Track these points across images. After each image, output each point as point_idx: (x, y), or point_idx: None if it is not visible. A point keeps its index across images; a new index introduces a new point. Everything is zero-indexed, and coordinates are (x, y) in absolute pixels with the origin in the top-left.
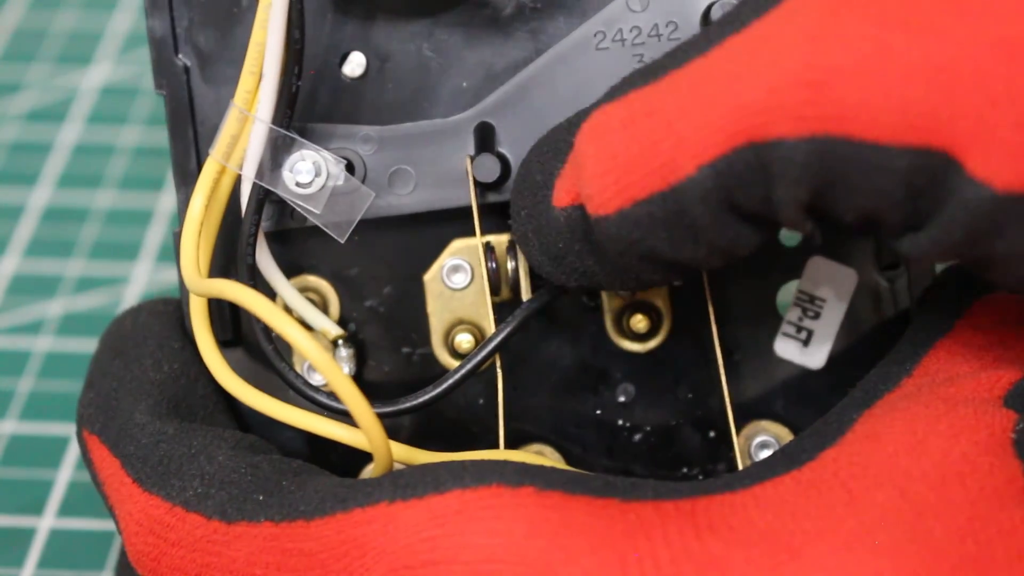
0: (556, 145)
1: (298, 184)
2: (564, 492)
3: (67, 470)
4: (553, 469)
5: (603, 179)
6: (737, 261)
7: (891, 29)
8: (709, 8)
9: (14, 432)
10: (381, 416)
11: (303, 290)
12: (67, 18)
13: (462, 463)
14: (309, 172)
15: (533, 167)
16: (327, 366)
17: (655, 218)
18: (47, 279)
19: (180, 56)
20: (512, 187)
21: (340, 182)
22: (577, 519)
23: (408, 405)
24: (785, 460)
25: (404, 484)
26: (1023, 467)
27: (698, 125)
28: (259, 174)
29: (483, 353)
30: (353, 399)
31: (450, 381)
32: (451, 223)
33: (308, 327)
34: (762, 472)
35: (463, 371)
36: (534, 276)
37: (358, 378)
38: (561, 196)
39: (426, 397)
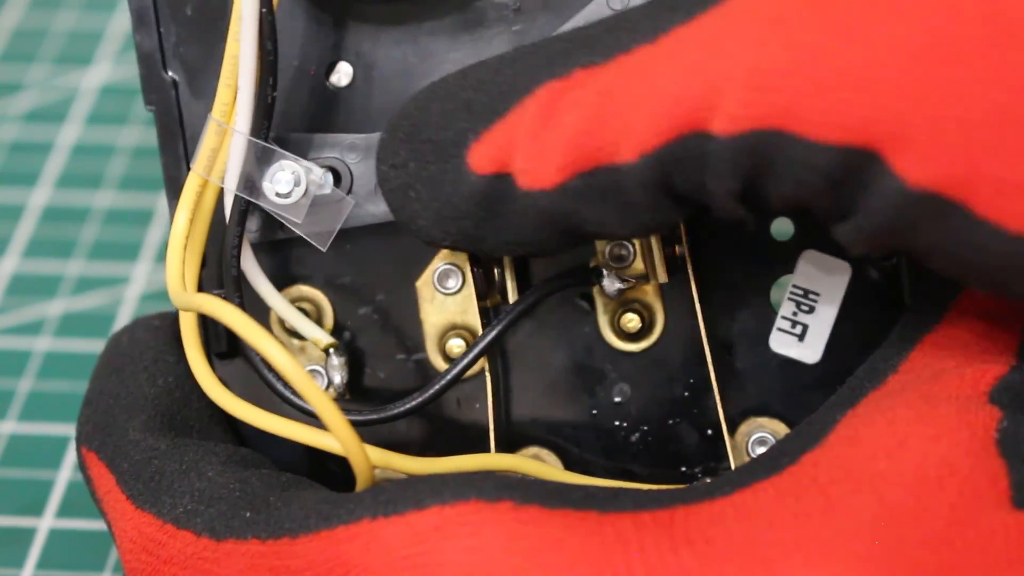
0: (468, 105)
1: (278, 194)
2: (542, 506)
3: (67, 470)
4: (533, 481)
5: (549, 154)
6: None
7: (826, 35)
8: None
9: (14, 432)
10: (368, 423)
11: (297, 300)
12: (67, 18)
13: (443, 477)
14: (288, 182)
15: (433, 120)
16: (298, 378)
17: (592, 194)
18: (47, 279)
19: (168, 71)
20: (389, 131)
21: (322, 191)
22: (554, 534)
23: (396, 411)
24: (767, 464)
25: (385, 500)
26: (1007, 466)
27: (644, 113)
28: (240, 186)
29: (470, 357)
30: (324, 407)
31: (437, 386)
32: None
33: (300, 337)
34: (743, 478)
35: (450, 376)
36: (521, 278)
37: (355, 385)
38: (481, 162)
39: (414, 403)
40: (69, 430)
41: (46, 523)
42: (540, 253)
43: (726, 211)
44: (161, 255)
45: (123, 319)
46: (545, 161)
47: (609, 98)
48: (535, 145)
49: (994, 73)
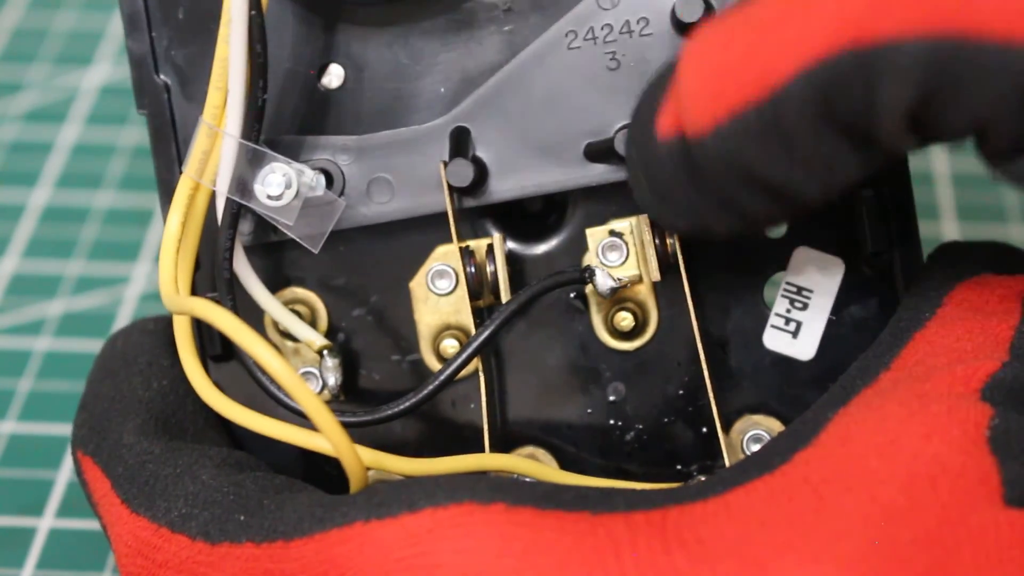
0: (663, 76)
1: (269, 197)
2: (535, 508)
3: (67, 470)
4: (526, 483)
5: (699, 93)
6: (842, 189)
7: None
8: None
9: (14, 432)
10: (362, 424)
11: (290, 302)
12: (67, 18)
13: (436, 480)
14: (279, 185)
15: (642, 102)
16: (290, 380)
17: (751, 131)
18: (47, 279)
19: (160, 75)
20: (629, 129)
21: (314, 193)
22: (547, 536)
23: (390, 412)
24: (760, 463)
25: (379, 503)
26: (998, 464)
27: (799, 27)
28: (232, 189)
29: (462, 357)
30: (315, 409)
31: (431, 387)
32: (434, 229)
33: (294, 339)
34: (736, 477)
35: (443, 376)
36: (513, 279)
37: (350, 387)
38: (663, 127)
39: (408, 404)
40: (69, 430)
41: (46, 523)
42: (751, 220)
43: (895, 143)
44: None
45: (123, 319)
46: (697, 106)
47: (759, 23)
48: (688, 93)
49: None
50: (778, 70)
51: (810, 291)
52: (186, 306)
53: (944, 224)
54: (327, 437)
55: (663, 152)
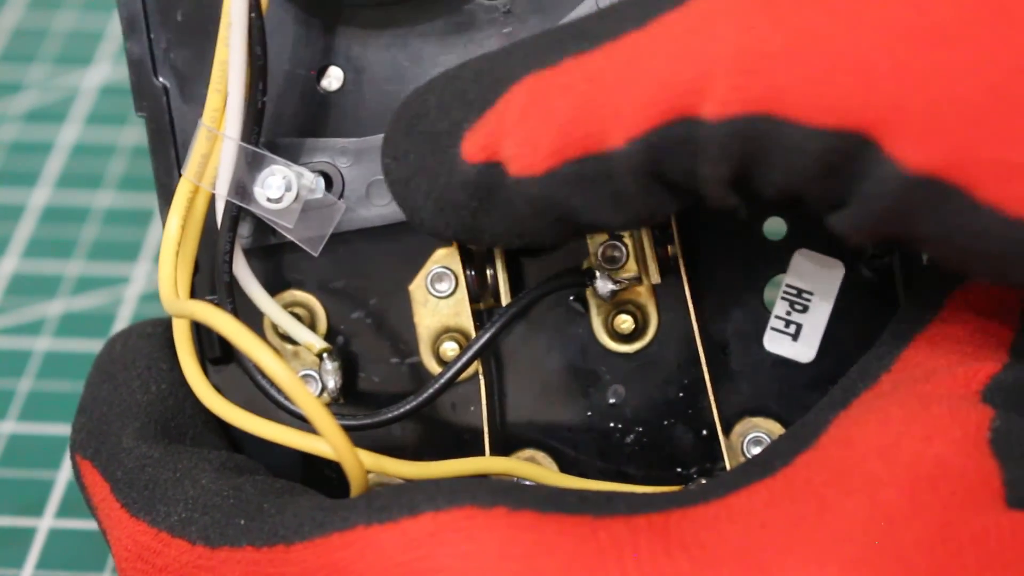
0: (463, 95)
1: (269, 200)
2: (536, 511)
3: (67, 470)
4: (527, 486)
5: (536, 140)
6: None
7: (816, 17)
8: None
9: (14, 432)
10: (362, 427)
11: (290, 305)
12: (67, 18)
13: (437, 483)
14: (279, 187)
15: (431, 112)
16: (290, 383)
17: (582, 181)
18: (47, 279)
19: (159, 77)
20: (392, 124)
21: (313, 196)
22: (548, 539)
23: (390, 415)
24: (761, 466)
25: (379, 507)
26: (1000, 466)
27: (633, 98)
28: (231, 191)
29: (462, 360)
30: (315, 412)
31: (431, 390)
32: None
33: (293, 342)
34: (737, 480)
35: (443, 379)
36: (514, 281)
37: (349, 390)
38: (473, 151)
39: (408, 407)
40: (69, 430)
41: (46, 523)
42: (537, 244)
43: (718, 199)
44: None
45: (123, 319)
46: (534, 148)
47: (598, 84)
48: (523, 132)
49: (989, 54)
50: (614, 135)
51: (810, 293)
52: (186, 309)
53: None
54: (327, 440)
55: (463, 175)
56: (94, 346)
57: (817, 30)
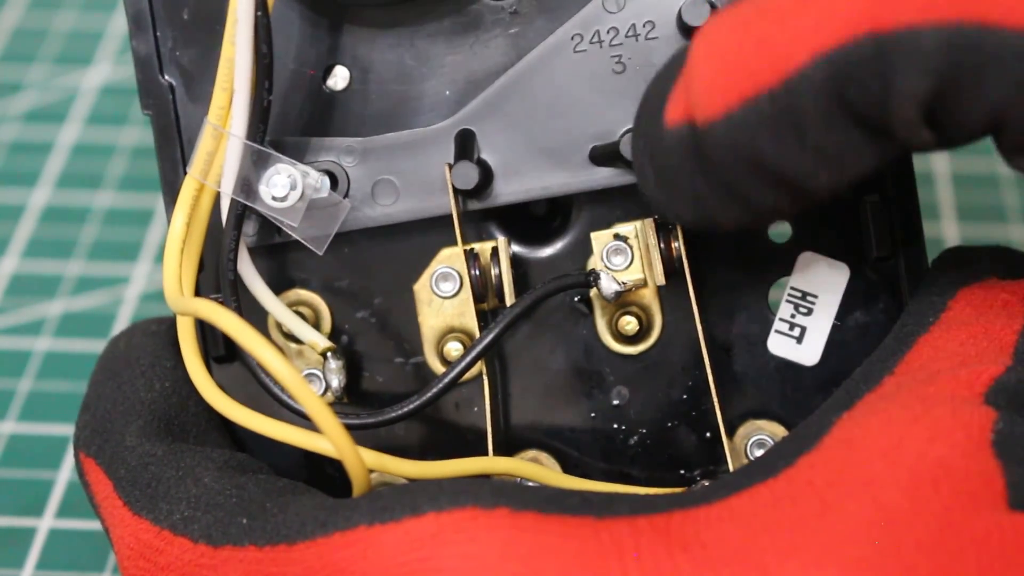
0: (671, 67)
1: (274, 198)
2: (538, 512)
3: (67, 470)
4: (529, 487)
5: (712, 80)
6: (851, 181)
7: None
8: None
9: (14, 432)
10: (366, 427)
11: (294, 304)
12: (67, 18)
13: (439, 484)
14: (284, 186)
15: (650, 93)
16: (293, 381)
17: (763, 117)
18: (47, 279)
19: (165, 76)
20: (635, 120)
21: (319, 195)
22: (550, 540)
23: (394, 415)
24: (763, 468)
25: (382, 507)
26: (1002, 468)
27: (816, 14)
28: (236, 190)
29: (467, 360)
30: (318, 411)
31: (435, 390)
32: (438, 231)
33: (297, 341)
34: (740, 481)
35: (447, 379)
36: (518, 282)
37: (353, 389)
38: (672, 113)
39: (412, 406)
40: (69, 430)
41: (46, 523)
42: (757, 210)
43: (910, 132)
44: (161, 255)
45: (123, 319)
46: (712, 91)
47: (774, 11)
48: (703, 79)
49: None
50: (792, 56)
51: (815, 296)
52: (190, 307)
53: (944, 224)
54: (329, 439)
55: (671, 140)
56: (94, 346)
57: None
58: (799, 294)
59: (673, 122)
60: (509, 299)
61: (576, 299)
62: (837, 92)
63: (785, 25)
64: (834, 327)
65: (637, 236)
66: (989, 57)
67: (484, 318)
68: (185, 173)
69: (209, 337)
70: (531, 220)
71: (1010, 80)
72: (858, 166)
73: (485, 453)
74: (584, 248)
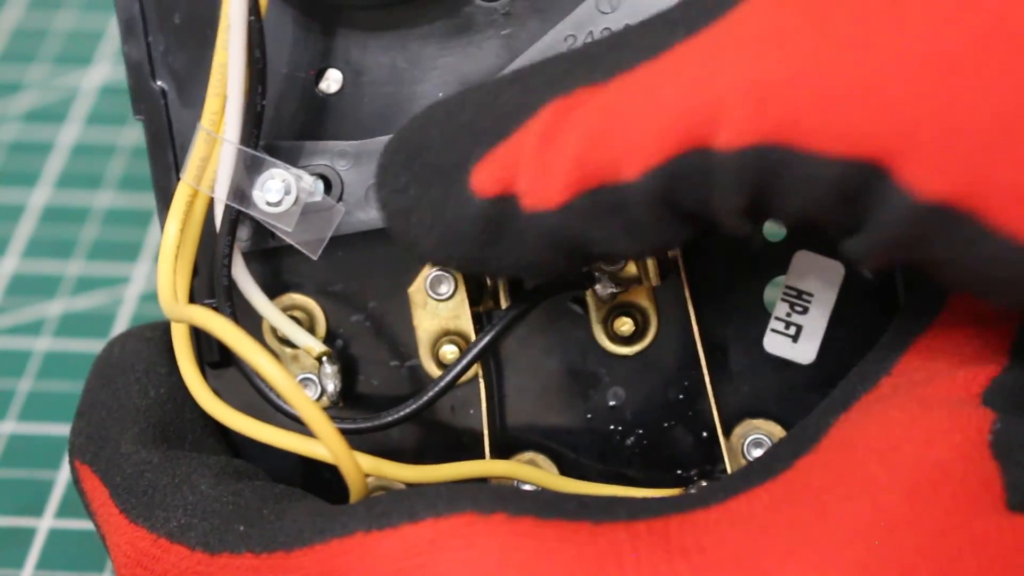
0: (470, 127)
1: (268, 203)
2: (536, 517)
3: (67, 470)
4: (527, 492)
5: (552, 173)
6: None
7: (829, 47)
8: None
9: (14, 432)
10: (361, 431)
11: (289, 309)
12: (67, 18)
13: (437, 489)
14: (279, 191)
15: (435, 144)
16: (287, 387)
17: (598, 213)
18: (47, 279)
19: (157, 81)
20: (388, 156)
21: (313, 199)
22: (548, 546)
23: (390, 419)
24: (761, 470)
25: (379, 513)
26: (1001, 469)
27: (646, 129)
28: (230, 195)
29: (462, 364)
30: (313, 416)
31: (431, 393)
32: None
33: (292, 345)
34: (737, 484)
35: (443, 382)
36: (514, 284)
37: (348, 393)
38: (484, 184)
39: (408, 410)
40: (69, 431)
41: (46, 523)
42: (545, 276)
43: (733, 227)
44: None
45: (123, 319)
46: (549, 181)
47: (612, 115)
48: (539, 165)
49: (1000, 81)
50: (628, 166)
51: (811, 295)
52: (184, 314)
53: None
54: (325, 444)
55: (473, 208)
56: (94, 346)
57: (828, 59)
58: (795, 293)
59: (482, 192)
60: (504, 301)
61: (571, 300)
62: (666, 198)
63: (622, 133)
64: (830, 326)
65: None
66: (789, 176)
67: (479, 320)
68: (178, 179)
69: (204, 343)
70: None
71: (807, 195)
72: (681, 244)
73: (482, 456)
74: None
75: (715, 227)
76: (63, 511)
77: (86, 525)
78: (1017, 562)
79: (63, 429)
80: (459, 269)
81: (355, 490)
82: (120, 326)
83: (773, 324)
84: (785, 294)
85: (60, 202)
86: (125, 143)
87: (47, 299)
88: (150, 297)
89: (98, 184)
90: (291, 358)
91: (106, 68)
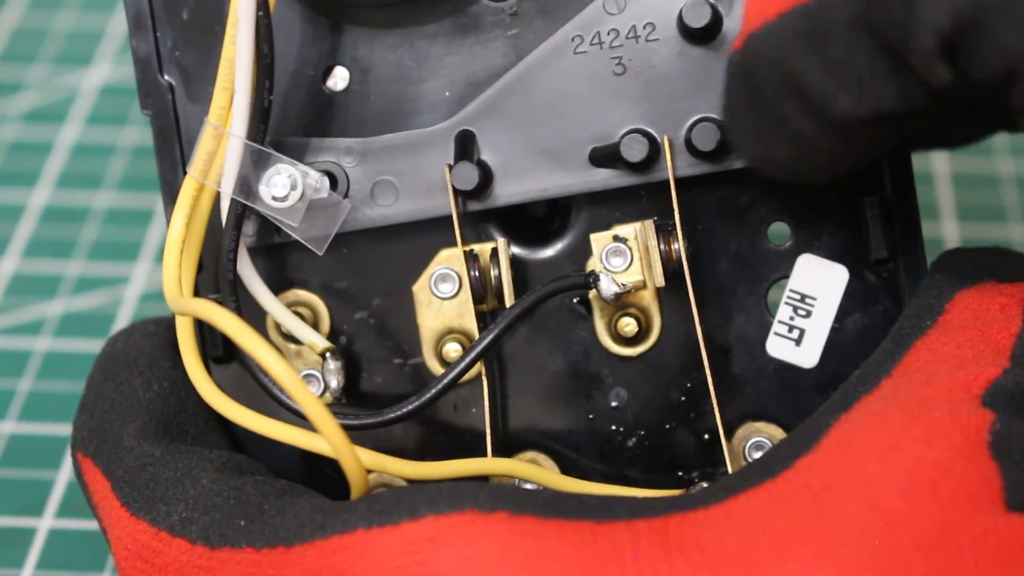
0: None
1: (274, 198)
2: (537, 516)
3: (67, 470)
4: (527, 491)
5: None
6: (871, 115)
7: None
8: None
9: (14, 432)
10: (364, 427)
11: (293, 304)
12: (67, 18)
13: (438, 487)
14: (285, 186)
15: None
16: (291, 382)
17: (795, 30)
18: (47, 279)
19: (165, 75)
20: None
21: (319, 195)
22: (549, 545)
23: (392, 415)
24: (761, 470)
25: (380, 510)
26: (1000, 469)
27: None
28: (236, 190)
29: (465, 362)
30: (315, 411)
31: (433, 391)
32: (438, 232)
33: (296, 341)
34: (738, 484)
35: (446, 380)
36: (517, 283)
37: (351, 390)
38: (737, 43)
39: (410, 407)
40: (69, 430)
41: (46, 523)
42: (800, 141)
43: (926, 64)
44: (161, 255)
45: (123, 319)
46: (753, 5)
47: None
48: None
49: None
50: None
51: (813, 299)
52: (189, 307)
53: (944, 224)
54: (326, 439)
55: (732, 66)
56: (94, 346)
57: None
58: (798, 296)
59: (735, 47)
60: (508, 300)
61: (575, 300)
62: (863, 11)
63: None
64: (833, 329)
65: (636, 238)
66: (1011, 5)
67: (483, 319)
68: (185, 173)
69: (208, 337)
70: (530, 221)
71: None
72: (876, 100)
73: (483, 454)
74: (583, 249)
75: (911, 77)
76: (63, 511)
77: (86, 525)
78: (1016, 561)
79: (63, 429)
80: (751, 152)
81: (356, 486)
82: (120, 326)
83: (776, 327)
84: (788, 297)
85: (60, 202)
86: (125, 143)
87: (47, 299)
88: (150, 297)
89: (98, 184)
90: (295, 354)
91: (106, 68)
